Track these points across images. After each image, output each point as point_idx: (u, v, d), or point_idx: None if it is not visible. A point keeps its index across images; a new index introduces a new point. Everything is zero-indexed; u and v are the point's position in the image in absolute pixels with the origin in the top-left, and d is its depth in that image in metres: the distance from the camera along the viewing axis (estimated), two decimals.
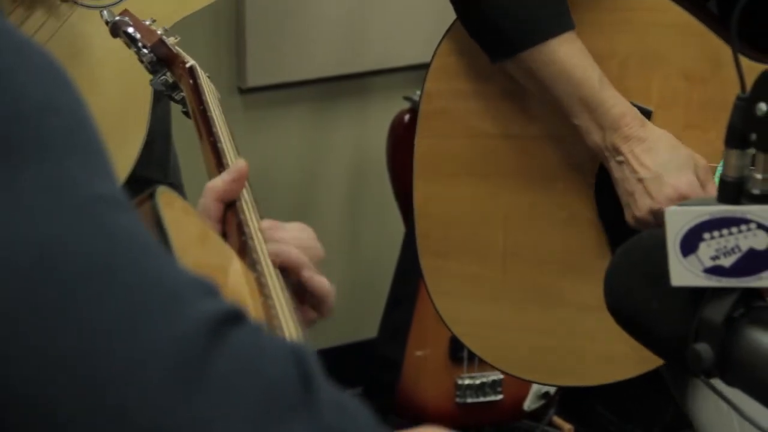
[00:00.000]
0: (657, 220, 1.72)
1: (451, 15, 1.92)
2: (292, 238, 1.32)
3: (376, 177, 3.26)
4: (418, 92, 2.02)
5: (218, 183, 1.36)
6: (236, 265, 1.15)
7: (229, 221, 1.34)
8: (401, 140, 3.05)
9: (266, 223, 1.34)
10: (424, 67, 2.00)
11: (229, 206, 1.35)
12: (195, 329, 0.79)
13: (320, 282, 1.30)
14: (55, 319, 0.77)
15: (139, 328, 0.78)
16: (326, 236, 3.32)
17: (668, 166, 1.84)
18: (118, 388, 0.77)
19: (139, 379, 0.77)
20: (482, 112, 1.98)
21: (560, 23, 1.86)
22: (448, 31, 1.96)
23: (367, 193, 3.40)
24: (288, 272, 1.28)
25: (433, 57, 1.98)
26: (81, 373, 0.77)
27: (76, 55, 2.08)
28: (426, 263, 2.02)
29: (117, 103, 2.10)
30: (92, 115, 0.84)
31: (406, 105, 3.15)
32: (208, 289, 0.83)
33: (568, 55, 1.86)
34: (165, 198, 1.03)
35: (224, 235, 1.33)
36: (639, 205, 1.84)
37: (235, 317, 0.82)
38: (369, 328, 3.26)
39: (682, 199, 1.80)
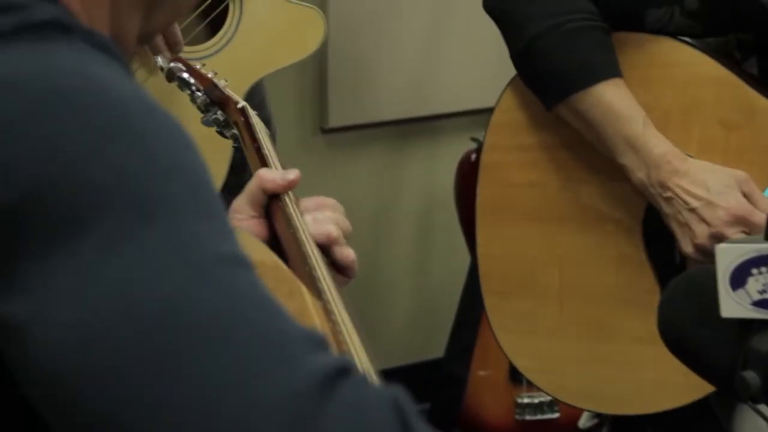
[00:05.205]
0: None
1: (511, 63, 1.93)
2: (329, 217, 1.38)
3: (445, 210, 3.19)
4: (484, 134, 2.01)
5: (272, 174, 1.39)
6: (305, 293, 1.11)
7: (275, 210, 1.36)
8: (468, 177, 2.95)
9: (307, 202, 1.40)
10: (489, 110, 1.99)
11: (273, 197, 1.37)
12: (307, 384, 0.76)
13: (349, 253, 1.36)
14: (174, 372, 0.74)
15: (254, 383, 0.75)
16: (399, 263, 3.37)
17: (715, 191, 1.79)
18: None
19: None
20: (537, 162, 1.97)
21: (608, 69, 1.84)
22: (505, 88, 1.97)
23: (436, 224, 3.35)
24: (324, 246, 1.36)
25: (492, 112, 1.98)
26: (198, 425, 0.74)
27: (164, 99, 1.98)
28: (488, 300, 2.01)
29: (200, 143, 2.00)
30: (211, 177, 0.82)
31: (473, 145, 3.07)
32: (319, 343, 0.80)
33: (614, 97, 1.83)
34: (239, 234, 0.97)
35: (270, 222, 1.36)
36: (697, 233, 1.78)
37: (342, 370, 0.78)
38: (436, 349, 3.20)
39: (736, 219, 1.78)
